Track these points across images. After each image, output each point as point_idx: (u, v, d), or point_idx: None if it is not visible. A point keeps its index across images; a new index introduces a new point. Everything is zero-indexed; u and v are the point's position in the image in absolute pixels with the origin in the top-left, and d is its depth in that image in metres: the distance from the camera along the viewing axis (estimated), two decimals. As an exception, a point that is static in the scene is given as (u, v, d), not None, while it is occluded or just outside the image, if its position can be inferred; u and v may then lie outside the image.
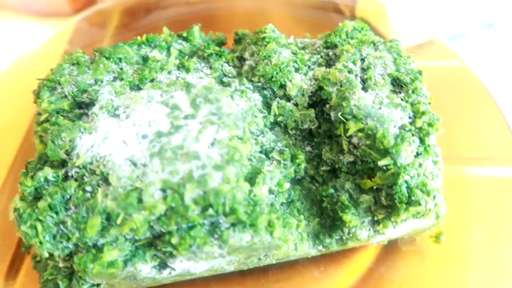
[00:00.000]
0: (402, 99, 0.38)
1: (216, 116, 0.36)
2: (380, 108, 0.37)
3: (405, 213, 0.35)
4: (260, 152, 0.38)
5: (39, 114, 0.42)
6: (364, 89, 0.39)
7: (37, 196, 0.34)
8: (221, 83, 0.42)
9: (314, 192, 0.40)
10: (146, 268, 0.35)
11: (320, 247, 0.39)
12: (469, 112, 0.52)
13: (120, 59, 0.42)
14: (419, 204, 0.35)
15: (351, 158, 0.38)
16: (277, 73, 0.40)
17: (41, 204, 0.32)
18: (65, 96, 0.40)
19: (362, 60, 0.41)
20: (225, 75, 0.42)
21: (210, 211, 0.32)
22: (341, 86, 0.39)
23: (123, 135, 0.36)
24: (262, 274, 0.42)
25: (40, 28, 0.65)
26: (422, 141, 0.36)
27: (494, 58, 0.64)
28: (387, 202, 0.36)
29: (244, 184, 0.33)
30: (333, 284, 0.42)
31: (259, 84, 0.41)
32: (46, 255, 0.32)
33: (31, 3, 0.64)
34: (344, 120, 0.37)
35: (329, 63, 0.42)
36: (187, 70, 0.42)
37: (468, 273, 0.41)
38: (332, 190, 0.38)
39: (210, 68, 0.43)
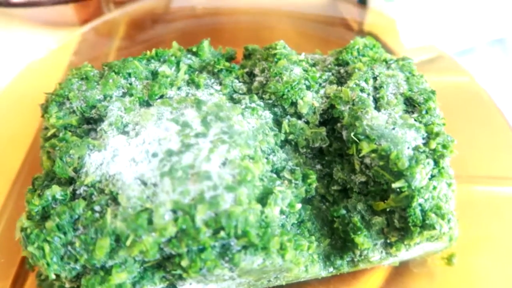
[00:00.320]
0: (415, 120, 0.38)
1: (227, 135, 0.36)
2: (393, 129, 0.36)
3: (419, 236, 0.35)
4: (271, 171, 0.38)
5: (46, 128, 0.41)
6: (377, 108, 0.39)
7: (45, 215, 0.33)
8: (231, 99, 0.41)
9: (324, 211, 0.40)
10: (154, 291, 0.34)
11: (331, 269, 0.38)
12: (479, 129, 0.52)
13: (129, 74, 0.41)
14: (434, 228, 0.34)
15: (363, 178, 0.38)
16: (288, 90, 0.40)
17: (49, 224, 0.32)
18: (74, 112, 0.39)
19: (375, 78, 0.40)
20: (235, 92, 0.42)
21: (222, 233, 0.31)
22: (353, 105, 0.38)
23: (133, 153, 0.35)
24: (271, 295, 0.41)
25: (47, 38, 0.65)
26: (436, 163, 0.36)
27: (503, 74, 0.64)
28: (400, 224, 0.36)
29: (256, 205, 0.33)
30: (342, 306, 0.41)
31: (270, 101, 0.41)
32: (53, 277, 0.32)
33: (38, 13, 0.64)
34: (357, 140, 0.37)
35: (340, 80, 0.42)
36: (197, 86, 0.41)
37: (479, 296, 0.41)
38: (343, 211, 0.38)
39: (220, 84, 0.42)
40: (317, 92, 0.41)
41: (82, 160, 0.35)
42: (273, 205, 0.34)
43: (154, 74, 0.42)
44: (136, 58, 0.43)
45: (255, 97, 0.41)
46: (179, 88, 0.41)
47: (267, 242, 0.32)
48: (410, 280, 0.42)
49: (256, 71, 0.43)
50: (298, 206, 0.36)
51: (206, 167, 0.33)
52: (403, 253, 0.38)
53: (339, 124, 0.39)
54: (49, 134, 0.39)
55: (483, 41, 0.65)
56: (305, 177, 0.38)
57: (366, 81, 0.40)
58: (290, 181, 0.38)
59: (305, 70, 0.42)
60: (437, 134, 0.36)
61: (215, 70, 0.43)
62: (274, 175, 0.37)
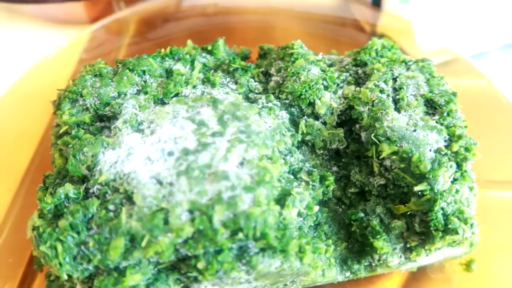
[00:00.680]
0: (437, 122, 0.37)
1: (244, 134, 0.35)
2: (415, 131, 0.36)
3: (441, 241, 0.34)
4: (288, 172, 0.37)
5: (58, 125, 0.40)
6: (397, 110, 0.38)
7: (57, 213, 0.32)
8: (247, 99, 0.40)
9: (340, 214, 0.39)
10: (169, 293, 0.33)
11: (348, 273, 0.37)
12: (495, 133, 0.51)
13: (144, 72, 0.41)
14: (457, 233, 0.33)
15: (382, 181, 0.37)
16: (306, 90, 0.39)
17: (62, 223, 0.31)
18: (87, 109, 0.38)
19: (394, 79, 0.40)
20: (251, 91, 0.41)
21: (240, 235, 0.30)
22: (373, 106, 0.38)
23: (148, 151, 0.34)
24: (285, 299, 0.40)
25: (57, 36, 0.64)
26: (459, 166, 0.35)
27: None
28: (420, 229, 0.35)
29: (274, 207, 0.32)
30: (357, 311, 0.40)
31: (287, 101, 0.40)
32: (66, 277, 0.31)
33: (47, 10, 0.63)
34: (377, 142, 0.36)
35: (358, 81, 0.41)
36: (213, 85, 0.40)
37: (498, 304, 0.40)
38: (362, 214, 0.37)
39: (236, 83, 0.41)
40: (334, 92, 0.40)
41: (96, 158, 0.34)
42: (291, 206, 0.33)
43: (169, 72, 0.42)
44: (150, 56, 0.42)
45: (272, 96, 0.40)
46: (194, 87, 0.40)
47: (285, 245, 0.31)
48: (427, 286, 0.41)
49: (272, 70, 0.42)
50: (316, 208, 0.35)
51: (224, 167, 0.32)
52: (423, 258, 0.37)
53: (357, 126, 0.38)
54: (61, 131, 0.38)
55: (496, 44, 0.65)
56: (322, 179, 0.37)
57: (385, 82, 0.39)
58: (307, 183, 0.37)
59: (323, 70, 0.41)
60: (460, 137, 0.36)
61: (231, 69, 0.42)
62: (292, 177, 0.36)
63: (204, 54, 0.44)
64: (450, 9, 0.60)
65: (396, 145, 0.35)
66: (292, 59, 0.41)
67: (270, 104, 0.39)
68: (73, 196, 0.33)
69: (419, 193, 0.34)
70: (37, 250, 0.31)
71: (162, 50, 0.43)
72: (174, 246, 0.30)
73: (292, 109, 0.40)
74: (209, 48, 0.45)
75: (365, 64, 0.42)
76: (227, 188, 0.31)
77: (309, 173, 0.37)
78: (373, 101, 0.38)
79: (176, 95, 0.39)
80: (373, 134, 0.36)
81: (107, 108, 0.38)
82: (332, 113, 0.39)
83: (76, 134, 0.36)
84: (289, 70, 0.40)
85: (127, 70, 0.40)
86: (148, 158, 0.34)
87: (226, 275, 0.31)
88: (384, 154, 0.35)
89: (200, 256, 0.31)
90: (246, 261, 0.31)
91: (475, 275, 0.41)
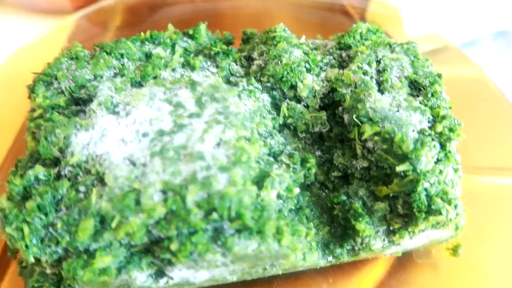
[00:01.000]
0: (421, 103, 0.36)
1: (222, 116, 0.34)
2: (397, 111, 0.35)
3: (424, 222, 0.33)
4: (268, 154, 0.36)
5: (33, 110, 0.39)
6: (380, 91, 0.37)
7: (26, 196, 0.31)
8: (228, 82, 0.39)
9: (323, 199, 0.38)
10: (141, 277, 0.32)
11: (330, 258, 0.36)
12: (484, 119, 0.50)
13: (122, 55, 0.40)
14: (440, 214, 0.32)
15: (365, 164, 0.36)
16: (287, 73, 0.38)
17: (29, 204, 0.30)
18: (62, 92, 0.37)
19: (378, 62, 0.39)
20: (232, 75, 0.40)
21: (214, 215, 0.29)
22: (355, 87, 0.37)
23: (122, 133, 0.33)
24: (267, 285, 0.40)
25: (40, 25, 0.63)
26: (442, 146, 0.34)
27: (507, 66, 0.62)
28: (404, 210, 0.34)
29: (251, 187, 0.31)
30: (342, 298, 0.39)
31: (268, 85, 0.39)
32: (32, 260, 0.29)
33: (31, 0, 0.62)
34: (359, 123, 0.35)
35: (342, 64, 0.40)
36: (193, 68, 0.39)
37: (485, 289, 0.39)
38: (344, 197, 0.36)
39: (217, 67, 0.40)
40: (317, 75, 0.39)
41: (68, 139, 0.33)
42: (270, 188, 0.32)
43: (148, 56, 0.41)
44: (129, 39, 0.41)
45: (253, 80, 0.39)
46: (173, 70, 0.39)
47: (262, 226, 0.30)
48: (414, 272, 0.40)
49: (255, 54, 0.41)
50: (297, 190, 0.34)
51: (200, 148, 0.32)
52: (407, 241, 0.36)
53: (340, 108, 0.37)
54: (35, 115, 0.37)
55: (487, 33, 0.64)
56: (304, 162, 0.36)
57: (369, 64, 0.38)
58: (288, 165, 0.36)
59: (306, 53, 0.40)
60: (444, 117, 0.35)
61: (212, 53, 0.41)
62: (272, 159, 0.35)
63: (185, 39, 0.43)
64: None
65: (379, 126, 0.34)
66: (275, 42, 0.40)
67: (251, 87, 0.38)
68: (43, 178, 0.32)
69: (402, 174, 0.33)
70: (4, 233, 0.30)
71: (142, 34, 0.42)
72: (146, 227, 0.29)
73: (274, 92, 0.39)
74: (191, 32, 0.44)
75: (349, 47, 0.41)
76: (202, 168, 0.30)
77: (290, 156, 0.36)
78: (356, 83, 0.37)
79: (155, 78, 0.38)
80: (355, 115, 0.35)
81: (82, 91, 0.37)
82: (314, 96, 0.38)
83: (50, 117, 0.35)
84: (271, 53, 0.39)
85: (104, 53, 0.39)
86: (122, 139, 0.33)
87: (200, 257, 0.30)
88: (366, 135, 0.34)
89: (173, 237, 0.30)
90: (222, 243, 0.30)
91: (462, 261, 0.40)
